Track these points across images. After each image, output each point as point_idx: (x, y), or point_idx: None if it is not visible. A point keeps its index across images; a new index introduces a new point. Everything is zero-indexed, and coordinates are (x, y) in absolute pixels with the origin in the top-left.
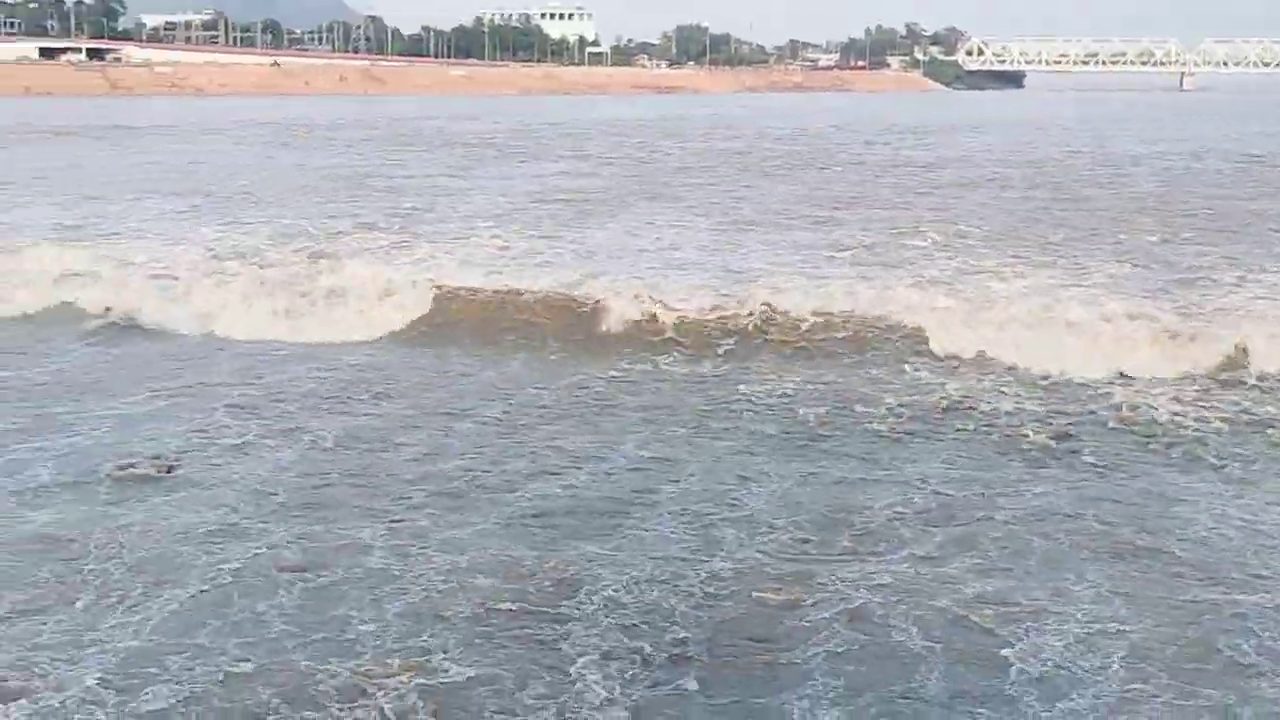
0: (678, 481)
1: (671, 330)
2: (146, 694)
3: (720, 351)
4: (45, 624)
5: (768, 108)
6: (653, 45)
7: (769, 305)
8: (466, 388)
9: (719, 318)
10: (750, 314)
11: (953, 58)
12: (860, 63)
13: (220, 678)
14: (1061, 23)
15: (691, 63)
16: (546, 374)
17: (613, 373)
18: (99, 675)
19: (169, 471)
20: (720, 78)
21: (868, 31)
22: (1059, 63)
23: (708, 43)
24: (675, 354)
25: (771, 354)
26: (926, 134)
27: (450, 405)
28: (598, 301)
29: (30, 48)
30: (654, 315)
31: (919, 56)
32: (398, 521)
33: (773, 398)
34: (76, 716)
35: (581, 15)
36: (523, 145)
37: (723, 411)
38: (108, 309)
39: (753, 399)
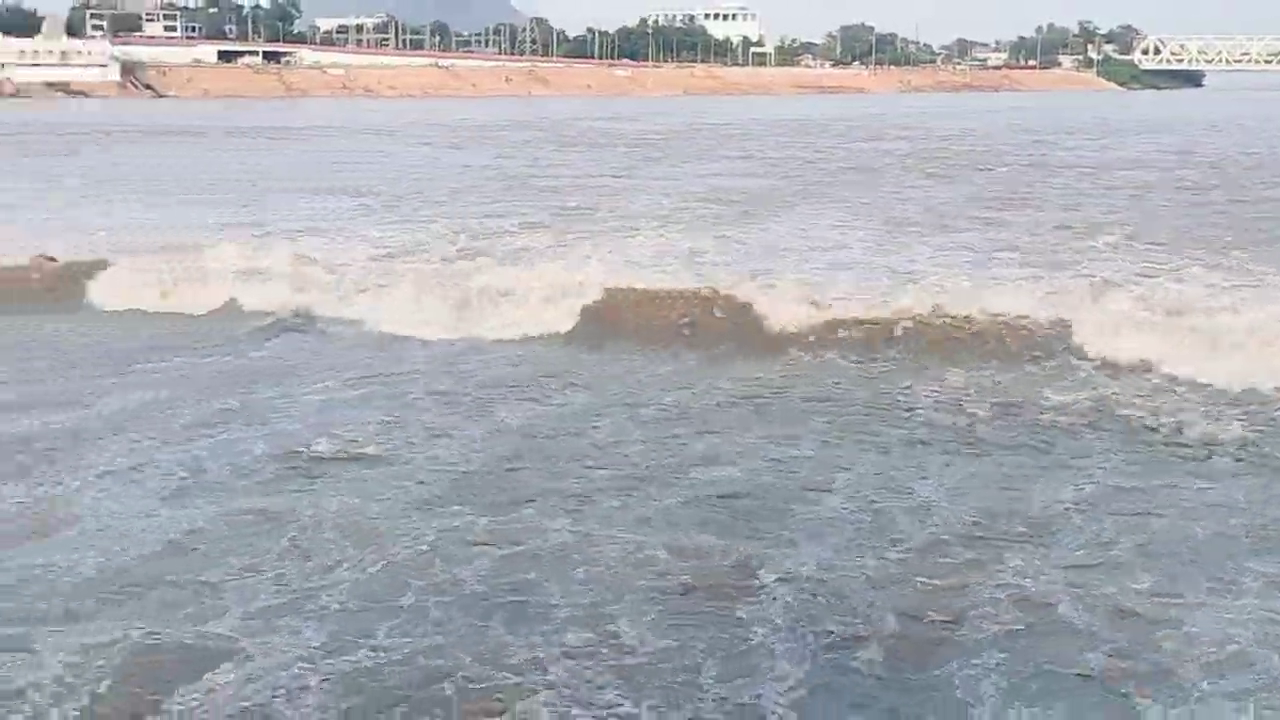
0: (849, 469)
1: (838, 328)
2: (356, 656)
3: (886, 349)
4: (263, 588)
5: (933, 108)
6: (817, 45)
7: (935, 304)
8: (641, 380)
9: (884, 316)
10: (916, 313)
11: (1128, 57)
12: (1031, 62)
13: (423, 643)
14: (1243, 21)
15: (857, 63)
16: (717, 369)
17: (781, 369)
18: (312, 637)
19: (366, 452)
20: (885, 78)
21: (1039, 30)
22: (1239, 62)
23: (873, 42)
24: (842, 351)
25: (938, 352)
26: (1099, 134)
27: (628, 397)
28: (764, 300)
29: (210, 51)
30: (820, 313)
31: (1092, 55)
32: (583, 501)
33: (940, 394)
34: (294, 672)
35: (746, 16)
36: (686, 145)
37: (891, 406)
38: (288, 304)
39: (920, 395)
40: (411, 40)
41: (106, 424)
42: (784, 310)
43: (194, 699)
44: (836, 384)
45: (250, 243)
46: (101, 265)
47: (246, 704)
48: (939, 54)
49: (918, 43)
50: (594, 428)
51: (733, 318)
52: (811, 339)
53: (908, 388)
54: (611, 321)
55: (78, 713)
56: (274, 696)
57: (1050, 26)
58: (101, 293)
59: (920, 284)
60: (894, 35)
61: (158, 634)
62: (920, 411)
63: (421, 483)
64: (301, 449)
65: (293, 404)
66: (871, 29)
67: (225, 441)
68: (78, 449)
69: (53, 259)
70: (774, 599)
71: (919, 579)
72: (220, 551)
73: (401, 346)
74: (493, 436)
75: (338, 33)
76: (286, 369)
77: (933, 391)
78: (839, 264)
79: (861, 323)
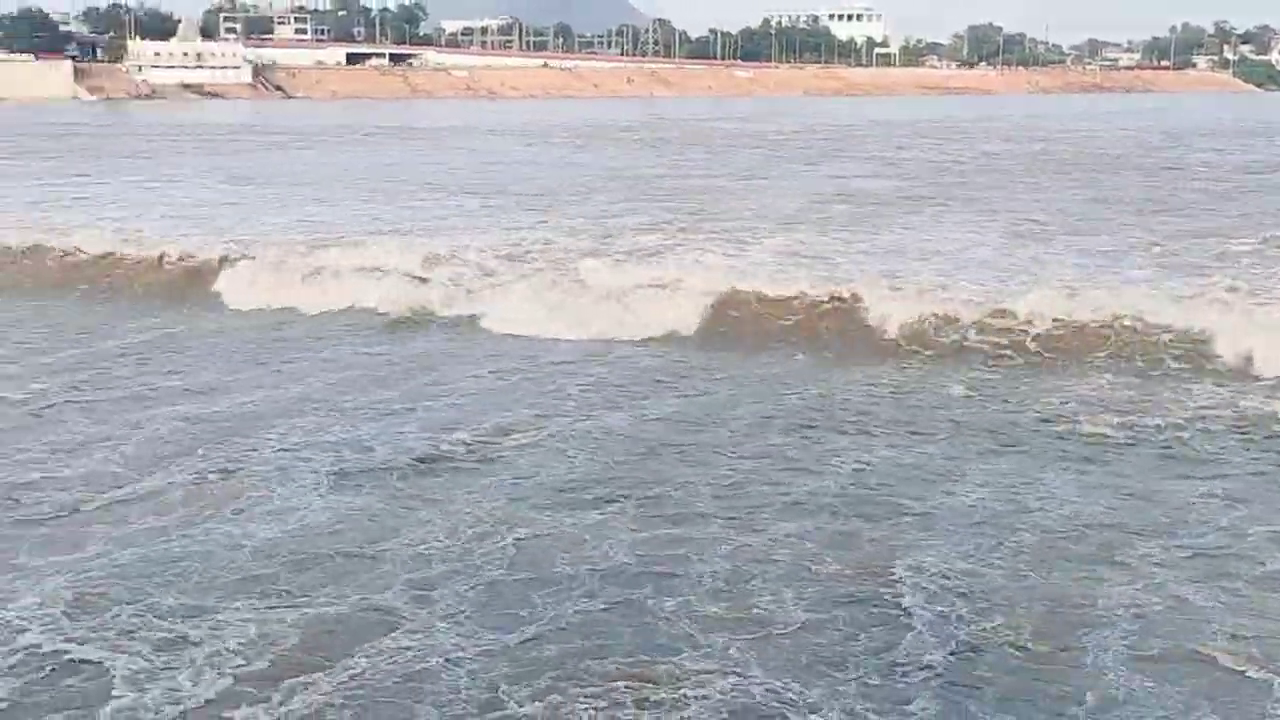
0: (983, 465)
1: (966, 329)
2: (512, 627)
3: (1016, 351)
4: (424, 562)
5: (1063, 109)
6: (943, 46)
7: (1066, 307)
8: (773, 377)
9: (1014, 318)
10: (1046, 315)
11: (1265, 57)
12: (1164, 63)
13: (576, 616)
14: None
15: (984, 63)
16: (845, 369)
17: (910, 368)
18: (471, 608)
19: (516, 439)
20: (1012, 78)
21: (1173, 30)
22: None
23: (1001, 43)
24: (971, 352)
25: (1069, 354)
26: (1235, 136)
27: (762, 393)
28: (891, 301)
29: (339, 53)
30: (948, 315)
31: (1228, 56)
32: (728, 487)
33: (1072, 396)
34: (455, 639)
35: (870, 16)
36: (808, 147)
37: (1022, 407)
38: (417, 302)
39: (1052, 396)
40: (535, 42)
41: (270, 410)
42: (911, 311)
43: (364, 663)
44: (967, 384)
45: (379, 241)
46: (234, 261)
47: (412, 669)
48: (1069, 54)
49: (1046, 43)
50: (735, 418)
51: (859, 318)
52: (940, 340)
53: (1039, 389)
54: (736, 321)
55: (260, 674)
56: (437, 663)
57: (1185, 26)
58: (234, 288)
59: (1050, 286)
60: (1023, 35)
61: (330, 602)
62: (1052, 412)
63: (570, 468)
64: (454, 435)
65: (442, 394)
66: (999, 29)
67: (384, 427)
68: (247, 432)
69: (188, 255)
70: (916, 584)
71: (1054, 566)
72: (384, 528)
73: (531, 343)
74: (635, 426)
75: (463, 34)
76: (429, 363)
77: (1065, 393)
78: (966, 265)
79: (990, 325)
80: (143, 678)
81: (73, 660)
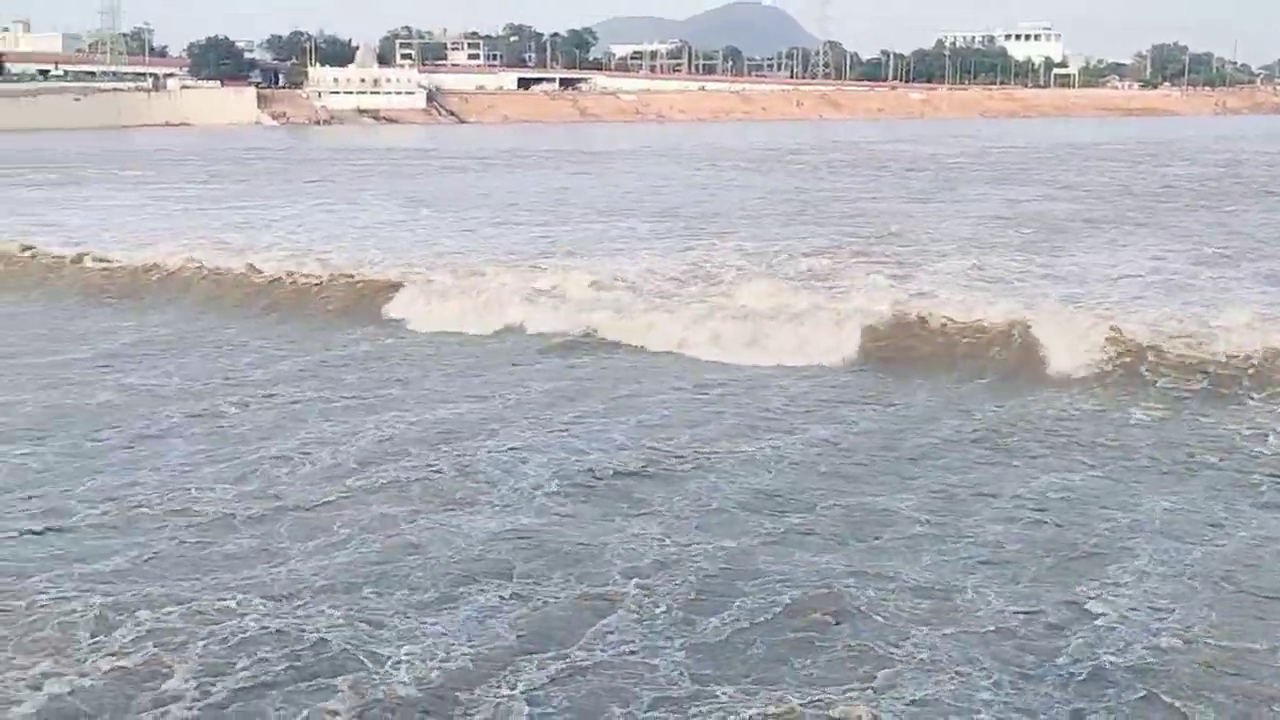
0: (1173, 474)
1: (1147, 358)
2: (728, 624)
3: (1200, 379)
4: (644, 557)
5: (1252, 131)
6: (1124, 66)
7: (1253, 335)
8: (961, 394)
9: (1198, 347)
10: (1232, 343)
11: None
12: None
13: (783, 612)
14: None
15: (1167, 83)
16: (1017, 397)
17: (1088, 399)
18: (684, 600)
19: (718, 449)
20: (1196, 100)
21: None
22: None
23: (1186, 62)
24: (1155, 380)
25: (1255, 384)
26: None
27: (957, 411)
28: (1067, 328)
29: (510, 78)
30: (1127, 343)
31: None
32: (927, 495)
33: (1259, 426)
34: (668, 623)
35: (1048, 36)
36: (983, 169)
37: (1209, 435)
38: (586, 325)
39: (1239, 425)
40: (704, 65)
41: (485, 417)
42: (1096, 334)
43: (585, 649)
44: (1157, 407)
45: (556, 264)
46: (417, 282)
47: (629, 658)
48: (1258, 74)
49: (1235, 63)
50: (932, 433)
51: (1043, 341)
52: (1126, 363)
53: (1229, 413)
54: (917, 343)
55: (489, 656)
56: (653, 652)
57: None
58: (419, 307)
59: (1239, 311)
60: (1209, 55)
61: (554, 592)
62: (1244, 435)
63: (775, 475)
64: (660, 445)
65: (645, 408)
66: (1184, 48)
67: (594, 435)
68: (468, 436)
69: (375, 276)
70: (1114, 586)
71: (1246, 576)
72: (602, 526)
73: (714, 364)
74: (835, 438)
75: (632, 59)
76: (626, 379)
77: (1257, 418)
78: (1150, 289)
79: (1178, 349)
80: (381, 656)
81: (320, 639)
